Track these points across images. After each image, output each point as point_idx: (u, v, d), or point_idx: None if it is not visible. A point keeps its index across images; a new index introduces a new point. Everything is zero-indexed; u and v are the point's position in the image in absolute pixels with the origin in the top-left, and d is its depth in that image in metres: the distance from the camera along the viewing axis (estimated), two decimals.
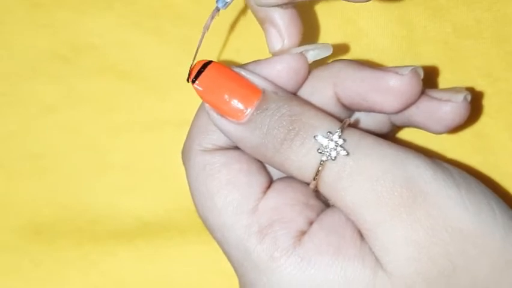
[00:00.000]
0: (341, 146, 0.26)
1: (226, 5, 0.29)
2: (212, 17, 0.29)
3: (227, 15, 0.35)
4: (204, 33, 0.29)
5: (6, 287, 0.36)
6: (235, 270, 0.28)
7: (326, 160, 0.26)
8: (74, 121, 0.36)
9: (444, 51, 0.35)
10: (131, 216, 0.35)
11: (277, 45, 0.29)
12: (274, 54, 0.30)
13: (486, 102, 0.34)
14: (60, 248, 0.35)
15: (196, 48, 0.29)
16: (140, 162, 0.36)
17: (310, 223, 0.27)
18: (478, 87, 0.34)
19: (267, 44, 0.30)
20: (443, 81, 0.35)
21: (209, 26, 0.29)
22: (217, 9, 0.29)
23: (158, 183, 0.36)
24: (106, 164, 0.36)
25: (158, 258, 0.35)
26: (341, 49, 0.35)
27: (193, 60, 0.28)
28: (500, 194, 0.34)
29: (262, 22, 0.30)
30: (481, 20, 0.34)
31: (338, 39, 0.35)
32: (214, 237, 0.29)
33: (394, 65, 0.35)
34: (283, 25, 0.29)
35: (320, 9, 0.35)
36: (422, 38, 0.35)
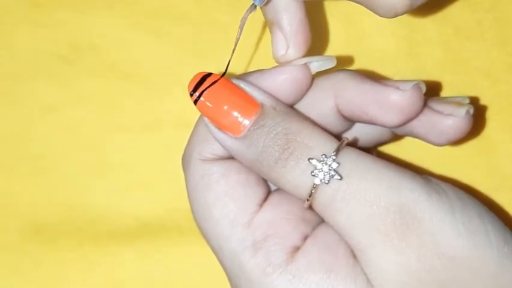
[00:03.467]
0: (334, 170, 0.26)
1: (262, 2, 0.28)
2: (249, 12, 0.28)
3: (233, 16, 0.35)
4: (241, 28, 0.28)
5: (7, 287, 0.36)
6: (229, 281, 0.28)
7: (319, 183, 0.26)
8: (75, 121, 0.36)
9: (445, 52, 0.35)
10: (131, 217, 0.35)
11: (281, 51, 0.29)
12: (277, 60, 0.29)
13: (487, 103, 0.34)
14: (61, 248, 0.35)
15: (234, 45, 0.28)
16: (140, 163, 0.36)
17: (305, 238, 0.27)
18: (479, 89, 0.34)
19: (272, 48, 0.30)
20: (444, 82, 0.34)
21: (245, 22, 0.28)
22: (254, 6, 0.28)
23: (159, 183, 0.36)
24: (106, 164, 0.36)
25: (158, 258, 0.35)
26: (342, 50, 0.35)
27: (231, 57, 0.28)
28: (501, 195, 0.34)
29: (270, 25, 0.30)
30: (482, 22, 0.34)
31: (339, 39, 0.35)
32: (210, 246, 0.29)
33: (394, 65, 0.35)
34: (290, 31, 0.29)
35: (322, 10, 0.35)
36: (423, 39, 0.35)
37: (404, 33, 0.35)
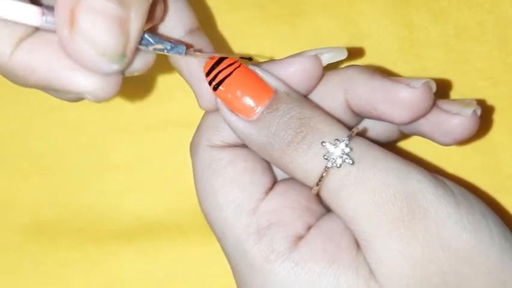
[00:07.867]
0: (347, 154, 0.26)
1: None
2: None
3: (233, 16, 0.35)
4: None
5: (7, 287, 0.36)
6: (232, 267, 0.28)
7: (331, 167, 0.26)
8: (76, 121, 0.36)
9: (446, 53, 0.35)
10: (132, 216, 0.35)
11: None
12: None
13: (488, 104, 0.34)
14: (62, 248, 0.35)
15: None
16: (142, 163, 0.36)
17: (309, 228, 0.28)
18: (479, 90, 0.34)
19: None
20: (444, 83, 0.35)
21: None
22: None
23: (160, 183, 0.36)
24: (108, 164, 0.36)
25: (159, 258, 0.35)
26: None
27: None
28: (501, 196, 0.34)
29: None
30: (482, 22, 0.34)
31: (340, 40, 0.35)
32: (214, 232, 0.29)
33: (395, 66, 0.35)
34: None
35: (322, 10, 0.35)
36: (423, 40, 0.35)
37: (404, 34, 0.35)
